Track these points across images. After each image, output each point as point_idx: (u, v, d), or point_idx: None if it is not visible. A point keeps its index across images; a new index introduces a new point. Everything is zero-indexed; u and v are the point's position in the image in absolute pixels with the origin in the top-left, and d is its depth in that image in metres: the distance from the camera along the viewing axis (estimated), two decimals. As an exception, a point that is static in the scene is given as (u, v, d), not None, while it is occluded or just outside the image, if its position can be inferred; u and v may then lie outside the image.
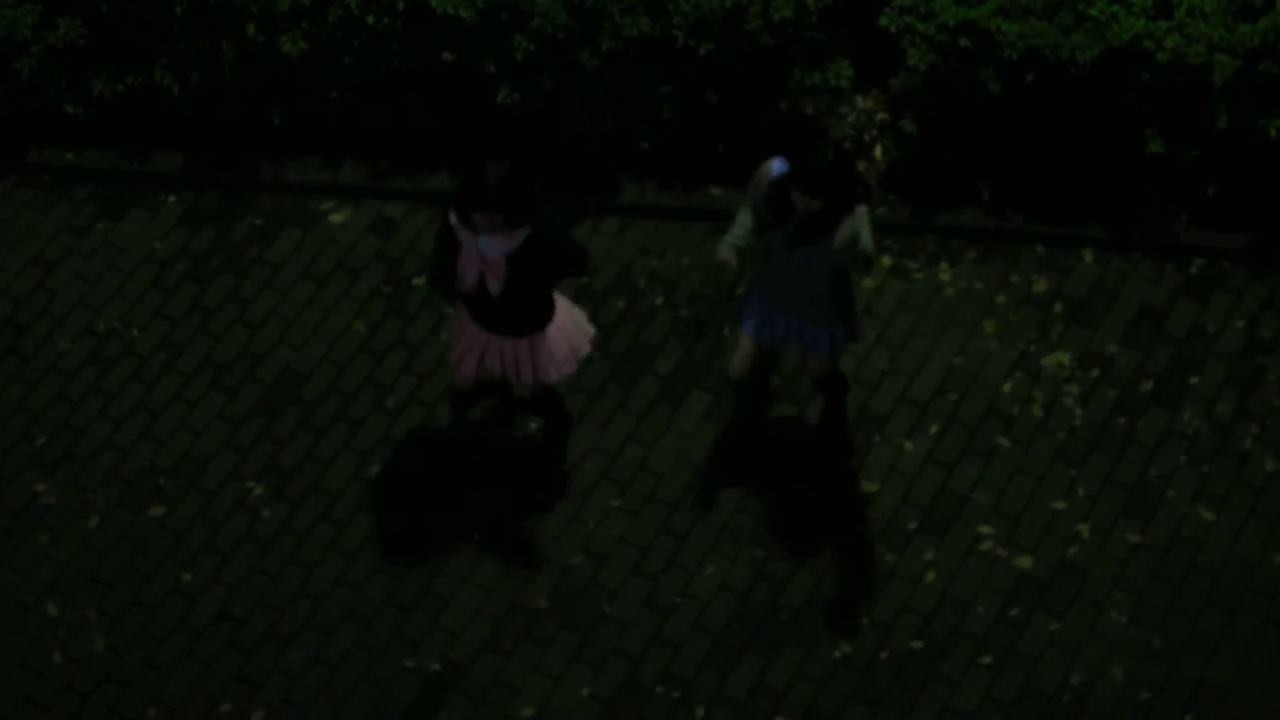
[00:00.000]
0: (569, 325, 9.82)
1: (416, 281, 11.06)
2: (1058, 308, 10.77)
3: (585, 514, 10.28)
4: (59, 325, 11.00)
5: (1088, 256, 10.93)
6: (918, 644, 9.82)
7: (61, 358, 10.88)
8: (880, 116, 11.31)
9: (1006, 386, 10.53)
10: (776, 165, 9.31)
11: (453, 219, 9.35)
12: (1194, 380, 10.49)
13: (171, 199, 11.45)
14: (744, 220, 9.54)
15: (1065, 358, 10.61)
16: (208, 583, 10.14)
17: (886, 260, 10.94)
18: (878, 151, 11.23)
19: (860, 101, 11.36)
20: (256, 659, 9.91)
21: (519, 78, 10.97)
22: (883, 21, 10.68)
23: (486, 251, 9.31)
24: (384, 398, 10.67)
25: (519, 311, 9.54)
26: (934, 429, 10.42)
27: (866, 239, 9.31)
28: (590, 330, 9.89)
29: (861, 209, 9.21)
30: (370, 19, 10.82)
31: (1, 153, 11.58)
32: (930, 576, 10.00)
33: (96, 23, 11.14)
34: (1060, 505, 10.17)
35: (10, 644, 9.99)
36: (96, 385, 10.78)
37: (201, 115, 11.53)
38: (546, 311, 9.62)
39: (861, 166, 11.18)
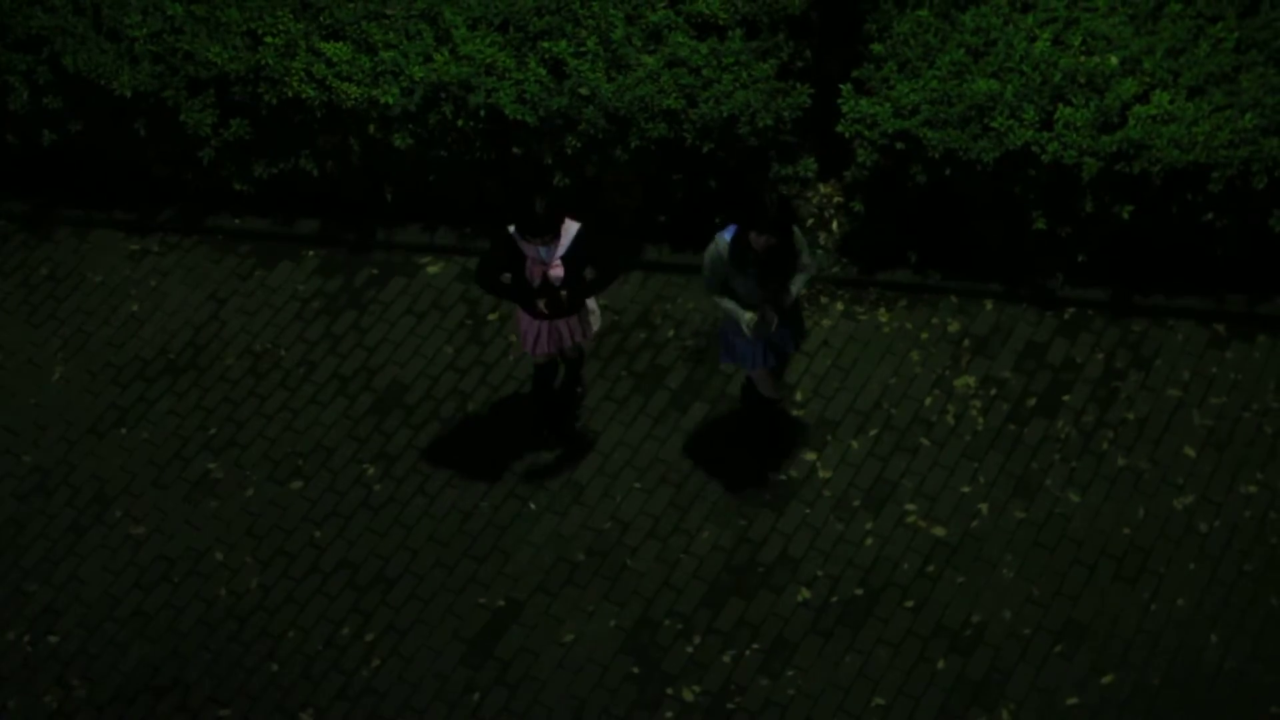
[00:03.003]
0: (593, 301, 9.86)
1: (491, 316, 11.03)
2: (966, 343, 10.70)
3: (614, 491, 10.25)
4: (226, 345, 10.99)
5: (989, 305, 10.86)
6: (859, 591, 9.77)
7: (228, 370, 10.88)
8: (836, 199, 11.25)
9: (928, 400, 10.49)
10: (725, 234, 9.20)
11: (519, 241, 9.29)
12: (1066, 398, 10.42)
13: (310, 253, 11.45)
14: (729, 303, 9.34)
15: (971, 380, 10.56)
16: (333, 539, 10.14)
17: (839, 306, 10.84)
18: (834, 225, 11.15)
19: (821, 188, 11.31)
20: (368, 595, 9.90)
21: (569, 167, 10.94)
22: (839, 129, 10.62)
23: (548, 258, 9.35)
24: (465, 403, 10.65)
25: (571, 289, 9.50)
26: (873, 431, 10.36)
27: (806, 256, 9.32)
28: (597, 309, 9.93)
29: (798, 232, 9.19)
30: (460, 122, 10.81)
31: (187, 218, 11.57)
32: (869, 541, 9.96)
33: (259, 123, 11.13)
34: (966, 489, 10.11)
35: (189, 581, 10.02)
36: (253, 391, 10.78)
37: (334, 192, 11.50)
38: (584, 293, 9.62)
39: (822, 237, 11.06)
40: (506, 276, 9.85)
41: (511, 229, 9.37)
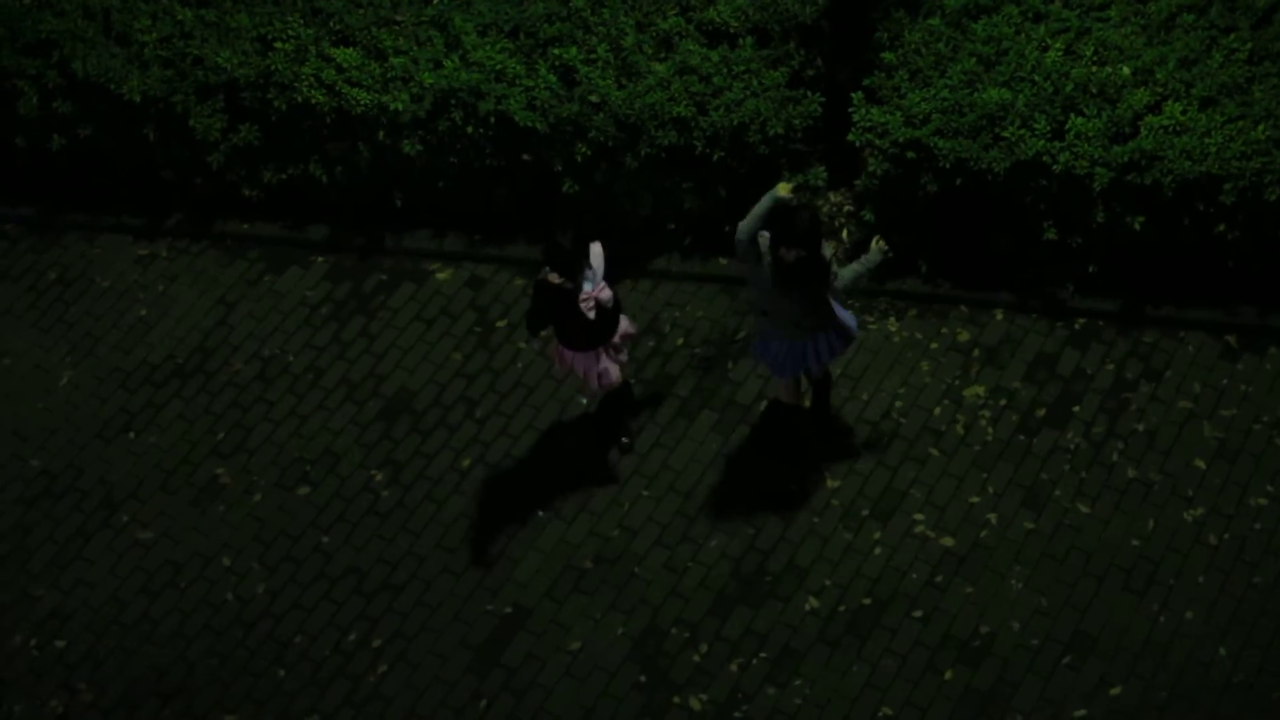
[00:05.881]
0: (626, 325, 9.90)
1: (499, 323, 11.04)
2: (976, 353, 10.70)
3: (622, 499, 10.25)
4: (235, 350, 11.01)
5: (999, 315, 10.85)
6: (867, 600, 9.77)
7: (236, 375, 10.88)
8: (847, 208, 11.24)
9: (937, 410, 10.48)
10: (765, 235, 9.29)
11: (560, 284, 9.26)
12: (1076, 408, 10.41)
13: (319, 259, 11.47)
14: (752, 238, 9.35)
15: (981, 390, 10.55)
16: (341, 544, 10.15)
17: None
18: (845, 234, 11.13)
19: (832, 196, 11.29)
20: (375, 601, 9.91)
21: (579, 174, 10.95)
22: (850, 138, 10.63)
23: (590, 288, 9.41)
24: (474, 409, 10.66)
25: (614, 310, 9.60)
26: (882, 441, 10.37)
27: (844, 272, 9.42)
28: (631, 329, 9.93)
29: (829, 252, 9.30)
30: (469, 129, 10.84)
31: (196, 223, 11.59)
32: (877, 551, 9.95)
33: (268, 129, 11.16)
34: (975, 499, 10.10)
35: (196, 586, 10.03)
36: (261, 396, 10.79)
37: (343, 198, 11.51)
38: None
39: (833, 245, 11.06)
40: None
41: (549, 275, 9.26)
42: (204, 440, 10.61)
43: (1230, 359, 10.56)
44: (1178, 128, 10.32)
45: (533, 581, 9.95)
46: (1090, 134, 10.33)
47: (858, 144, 10.63)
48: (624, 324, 9.84)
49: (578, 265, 9.21)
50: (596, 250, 9.48)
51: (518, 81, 10.82)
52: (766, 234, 9.30)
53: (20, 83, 11.26)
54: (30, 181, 11.86)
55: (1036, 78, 10.57)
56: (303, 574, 10.05)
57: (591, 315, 9.47)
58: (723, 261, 11.13)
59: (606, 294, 9.46)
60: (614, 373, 9.80)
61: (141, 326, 11.16)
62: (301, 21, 11.18)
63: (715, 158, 10.65)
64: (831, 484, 10.21)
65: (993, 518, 10.02)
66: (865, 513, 10.09)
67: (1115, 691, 9.38)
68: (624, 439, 10.32)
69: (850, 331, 9.73)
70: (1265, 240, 10.43)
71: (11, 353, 11.09)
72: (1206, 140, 10.21)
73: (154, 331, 11.13)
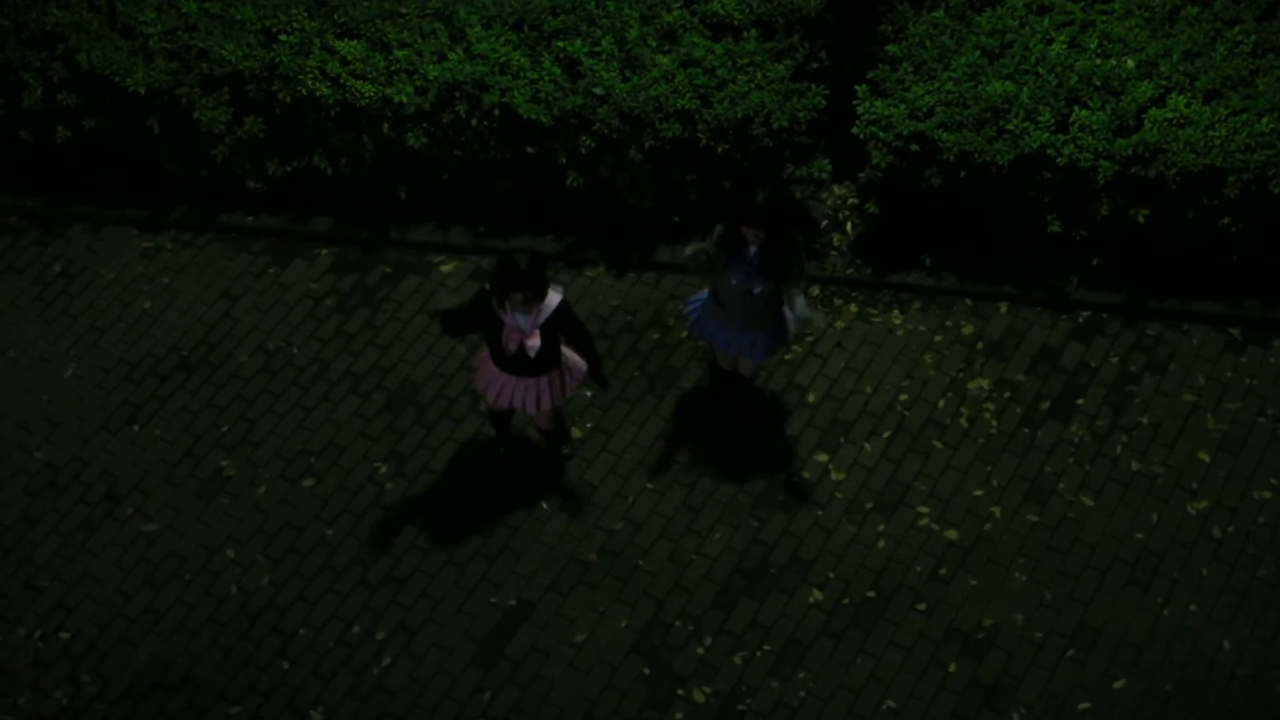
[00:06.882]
0: (570, 362, 9.72)
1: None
2: (980, 345, 10.71)
3: (626, 491, 10.25)
4: (239, 343, 11.00)
5: (1003, 308, 10.87)
6: (871, 594, 9.79)
7: (240, 367, 10.89)
8: (851, 201, 11.26)
9: (941, 403, 10.50)
10: (719, 228, 9.35)
11: (495, 304, 9.18)
12: (1080, 401, 10.44)
13: (324, 252, 11.46)
14: (709, 245, 9.43)
15: (985, 383, 10.56)
16: (345, 537, 10.15)
17: (853, 308, 10.86)
18: (849, 227, 11.15)
19: (836, 190, 11.31)
20: (380, 594, 9.92)
21: (583, 167, 10.95)
22: (854, 130, 10.64)
23: (524, 326, 9.25)
24: (479, 402, 10.63)
25: (543, 360, 9.47)
26: (886, 434, 10.37)
27: (802, 307, 9.38)
28: (581, 365, 9.73)
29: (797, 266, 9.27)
30: (474, 122, 10.84)
31: (200, 216, 11.58)
32: (881, 544, 9.97)
33: (273, 121, 11.14)
34: (979, 492, 10.12)
35: (200, 578, 10.03)
36: (265, 388, 10.79)
37: (347, 190, 11.50)
38: (556, 356, 9.55)
39: (836, 238, 11.12)
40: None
41: (488, 289, 9.22)
42: (208, 433, 10.61)
43: (1234, 352, 10.56)
44: (1182, 120, 10.32)
45: (537, 574, 9.96)
46: (1094, 127, 10.33)
47: (862, 137, 10.63)
48: (577, 366, 9.71)
49: (523, 285, 9.00)
50: (554, 300, 9.24)
51: (522, 74, 10.82)
52: (720, 226, 9.31)
53: (25, 75, 11.26)
54: (35, 174, 11.86)
55: (1041, 70, 10.57)
56: (307, 566, 10.06)
57: (510, 350, 9.36)
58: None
59: (534, 342, 9.30)
60: (503, 402, 9.66)
61: (146, 319, 11.17)
62: (306, 14, 11.18)
63: (719, 150, 10.65)
64: (836, 476, 10.22)
65: (997, 510, 10.03)
66: (869, 506, 10.09)
67: (1119, 685, 9.40)
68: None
69: (785, 335, 9.76)
70: (1269, 233, 10.44)
71: (16, 345, 11.10)
72: (1211, 133, 10.21)
73: (158, 324, 11.14)
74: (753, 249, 9.23)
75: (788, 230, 9.25)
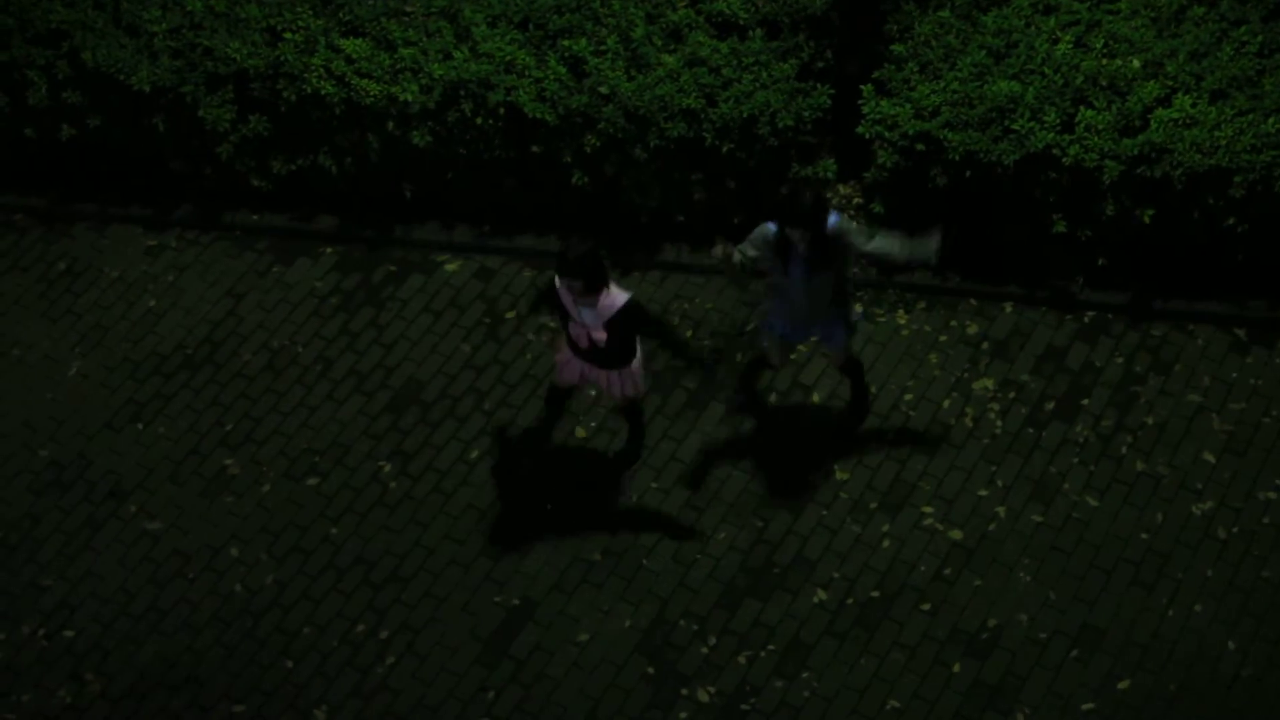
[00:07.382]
0: (642, 362, 9.79)
1: (508, 315, 11.03)
2: (985, 345, 10.71)
3: (631, 490, 10.27)
4: (244, 341, 11.02)
5: (1008, 308, 10.88)
6: (875, 593, 9.79)
7: (245, 365, 10.90)
8: (856, 200, 11.25)
9: (946, 403, 10.50)
10: (771, 227, 9.31)
11: (558, 284, 9.28)
12: (1085, 402, 10.43)
13: (328, 250, 11.48)
14: (748, 249, 9.39)
15: (990, 383, 10.57)
16: (349, 535, 10.16)
17: (858, 307, 10.85)
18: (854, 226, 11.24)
19: (841, 189, 11.31)
20: (383, 593, 9.93)
21: (588, 166, 10.96)
22: (860, 130, 10.65)
23: (589, 321, 9.33)
24: (482, 401, 10.67)
25: (613, 354, 9.54)
26: (891, 434, 10.38)
27: (861, 239, 9.32)
28: (638, 373, 9.80)
29: (845, 224, 9.20)
30: (479, 120, 10.85)
31: (205, 214, 11.61)
32: (885, 544, 9.97)
33: (277, 120, 11.17)
34: (984, 492, 10.12)
35: (204, 577, 10.04)
36: (270, 387, 10.80)
37: (352, 189, 11.52)
38: (631, 353, 9.62)
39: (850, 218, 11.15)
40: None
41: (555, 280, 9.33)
42: (212, 431, 10.62)
43: (1240, 352, 10.55)
44: (1188, 120, 10.31)
45: (541, 573, 9.97)
46: (1100, 127, 10.33)
47: (867, 136, 10.64)
48: (635, 378, 9.77)
49: (568, 272, 9.02)
50: (620, 299, 9.24)
51: (527, 73, 10.82)
52: (771, 226, 9.30)
53: (30, 73, 11.27)
54: (40, 172, 11.88)
55: (1046, 70, 10.57)
56: (311, 565, 10.07)
57: (582, 345, 9.44)
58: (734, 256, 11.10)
59: (600, 335, 9.37)
60: (568, 376, 9.77)
61: (150, 317, 11.18)
62: (311, 12, 11.19)
63: (724, 150, 10.65)
64: (840, 476, 10.22)
65: (1001, 510, 10.03)
66: (873, 505, 10.09)
67: (1123, 685, 9.39)
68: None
69: (853, 319, 9.75)
70: (1275, 233, 10.43)
71: (21, 343, 11.11)
72: (1216, 133, 10.20)
73: (163, 322, 11.14)
74: (801, 246, 9.21)
75: (828, 225, 9.22)
